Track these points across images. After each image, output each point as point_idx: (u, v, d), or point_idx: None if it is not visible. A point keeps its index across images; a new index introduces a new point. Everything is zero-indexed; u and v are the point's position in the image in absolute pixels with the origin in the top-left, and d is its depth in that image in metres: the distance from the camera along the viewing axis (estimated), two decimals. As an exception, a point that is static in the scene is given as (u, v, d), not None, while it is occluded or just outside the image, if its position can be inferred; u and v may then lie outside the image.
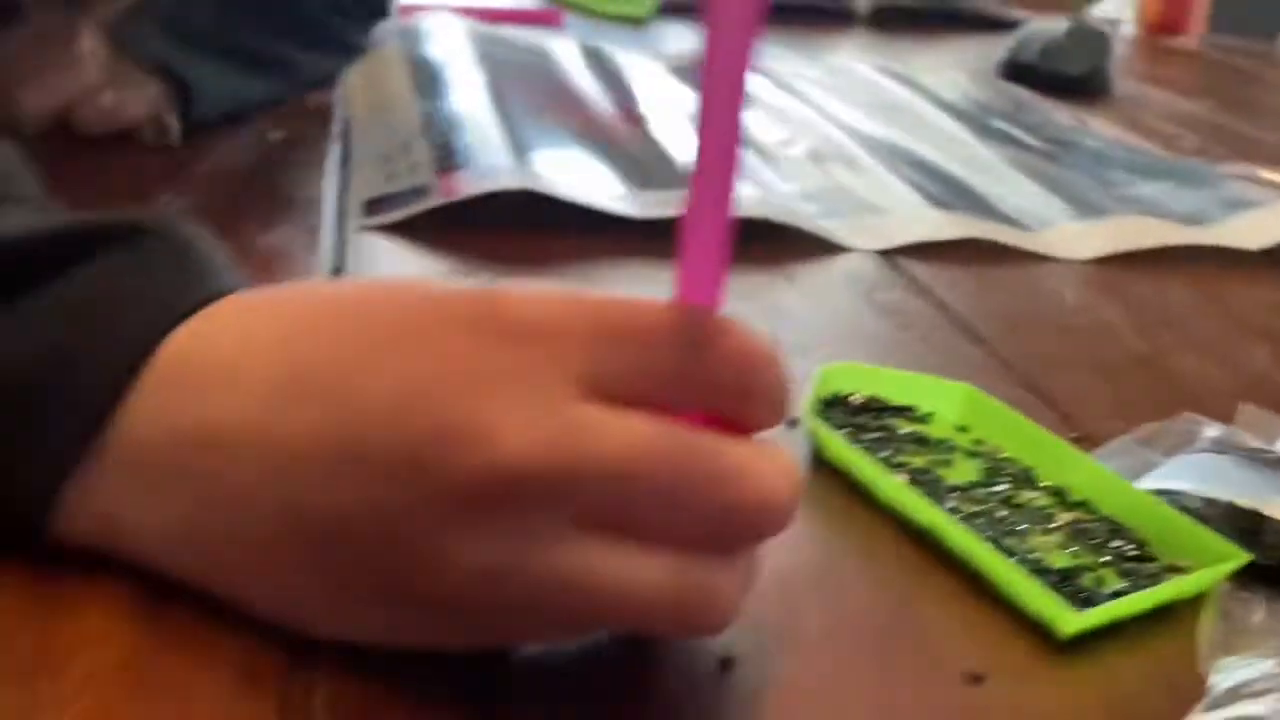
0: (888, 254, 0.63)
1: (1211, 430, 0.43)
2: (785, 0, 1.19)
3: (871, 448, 0.41)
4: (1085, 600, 0.34)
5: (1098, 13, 1.39)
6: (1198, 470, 0.40)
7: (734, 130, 0.26)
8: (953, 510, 0.37)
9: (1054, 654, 0.33)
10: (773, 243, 0.60)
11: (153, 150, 0.61)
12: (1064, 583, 0.35)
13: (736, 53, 0.25)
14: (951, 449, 0.42)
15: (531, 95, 0.81)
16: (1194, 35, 1.41)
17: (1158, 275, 0.64)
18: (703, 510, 0.27)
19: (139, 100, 0.61)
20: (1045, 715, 0.30)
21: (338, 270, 0.53)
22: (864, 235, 0.65)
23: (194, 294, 0.30)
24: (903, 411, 0.44)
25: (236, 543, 0.28)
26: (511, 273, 0.54)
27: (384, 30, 0.91)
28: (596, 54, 0.97)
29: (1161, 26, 1.42)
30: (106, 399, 0.28)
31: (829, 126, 0.84)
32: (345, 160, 0.67)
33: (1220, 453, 0.41)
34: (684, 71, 0.97)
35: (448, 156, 0.64)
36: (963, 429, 0.44)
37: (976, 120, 0.91)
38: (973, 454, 0.42)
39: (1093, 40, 1.08)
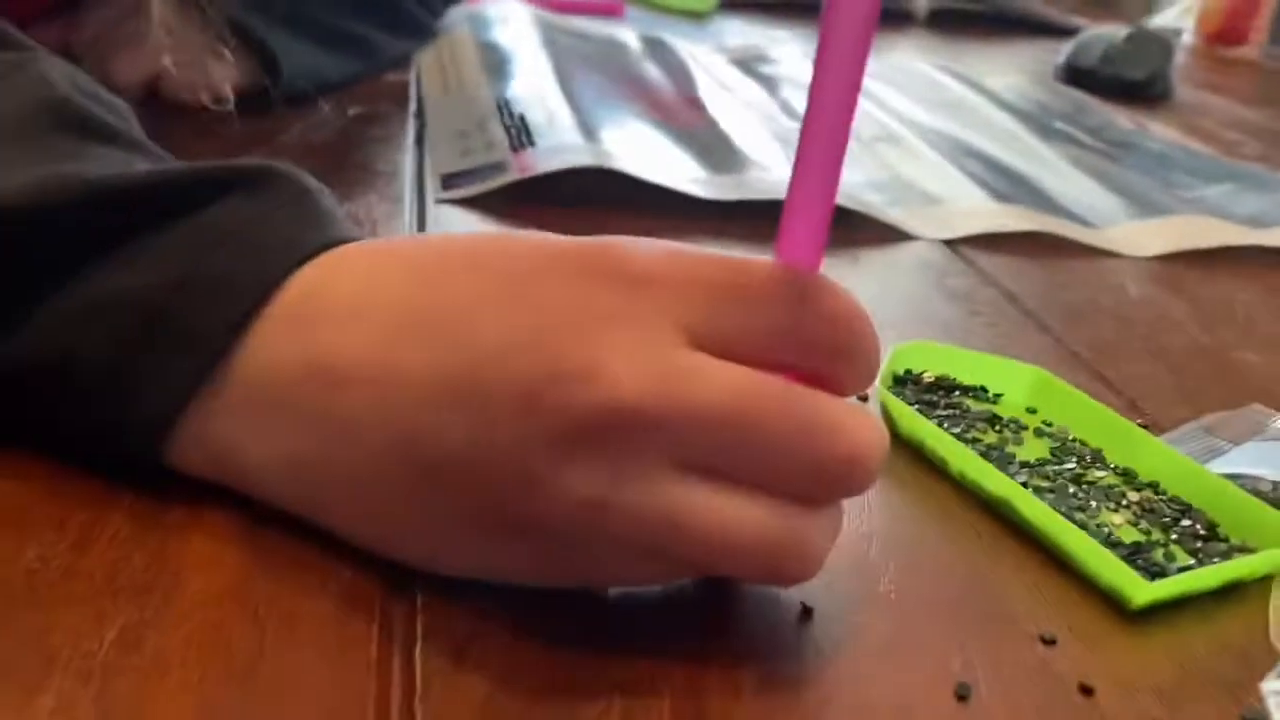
0: (952, 244, 0.64)
1: (1280, 421, 0.44)
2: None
3: (942, 424, 0.41)
4: (1155, 574, 0.35)
5: (1158, 22, 1.38)
6: (1268, 456, 0.40)
7: (850, 100, 0.27)
8: (1023, 485, 0.38)
9: (1125, 621, 0.33)
10: (840, 229, 0.61)
11: (238, 121, 0.62)
12: (1134, 556, 0.35)
13: (859, 22, 0.26)
14: (1021, 428, 0.43)
15: (597, 79, 0.82)
16: (1255, 45, 1.40)
17: (1220, 274, 0.64)
18: (798, 459, 0.27)
19: (227, 71, 0.63)
20: (1118, 675, 0.31)
21: (419, 238, 0.55)
22: (930, 224, 0.65)
23: (319, 237, 0.31)
24: (972, 391, 0.45)
25: (344, 474, 0.29)
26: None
27: (454, 15, 0.93)
28: (658, 44, 0.98)
29: (1221, 37, 1.41)
30: (230, 331, 0.30)
31: (891, 120, 0.85)
32: (420, 138, 0.68)
33: (1290, 441, 0.41)
34: (745, 64, 0.97)
35: (521, 135, 0.65)
36: (1032, 410, 0.44)
37: (1037, 120, 0.92)
38: (1042, 434, 0.43)
39: (1155, 45, 1.08)
